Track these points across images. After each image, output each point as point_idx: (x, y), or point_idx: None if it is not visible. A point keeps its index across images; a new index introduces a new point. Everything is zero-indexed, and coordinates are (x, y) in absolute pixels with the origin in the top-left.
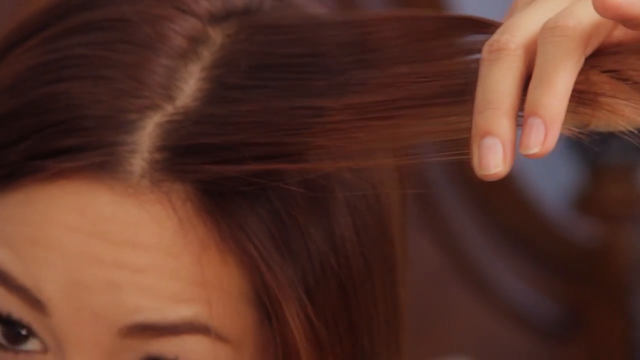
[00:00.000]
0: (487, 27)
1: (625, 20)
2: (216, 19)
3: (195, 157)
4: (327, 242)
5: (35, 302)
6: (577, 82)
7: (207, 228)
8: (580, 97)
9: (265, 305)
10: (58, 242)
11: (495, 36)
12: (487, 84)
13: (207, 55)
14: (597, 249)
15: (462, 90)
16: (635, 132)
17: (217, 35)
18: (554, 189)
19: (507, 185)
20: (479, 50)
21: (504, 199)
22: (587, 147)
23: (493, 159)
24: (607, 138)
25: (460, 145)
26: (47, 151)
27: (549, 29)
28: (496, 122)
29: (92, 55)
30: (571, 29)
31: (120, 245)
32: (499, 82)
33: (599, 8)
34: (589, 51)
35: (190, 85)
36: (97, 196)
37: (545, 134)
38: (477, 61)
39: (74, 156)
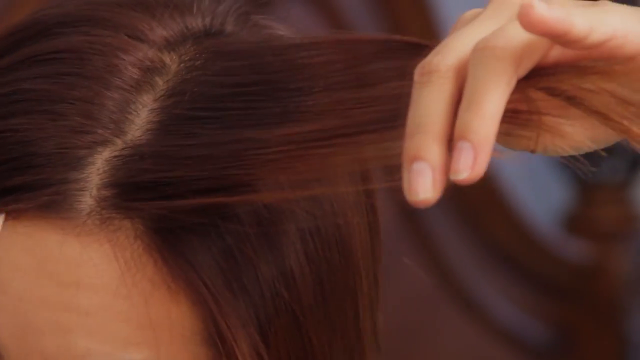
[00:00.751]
0: (426, 49)
1: (555, 37)
2: (172, 44)
3: (143, 193)
4: (280, 278)
5: None
6: (510, 102)
7: (156, 267)
8: (515, 117)
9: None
10: (7, 285)
11: (427, 58)
12: (418, 108)
13: (161, 84)
14: (589, 269)
15: (398, 115)
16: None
17: (172, 62)
18: (545, 208)
19: (497, 205)
20: (411, 75)
21: (494, 218)
22: (578, 166)
23: (422, 185)
24: (597, 157)
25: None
26: None
27: (479, 50)
28: (426, 147)
29: (42, 90)
30: (500, 49)
31: (69, 287)
32: (429, 106)
33: (525, 23)
34: (522, 72)
35: (141, 118)
36: (46, 236)
37: (474, 158)
38: (404, 86)
39: (23, 195)
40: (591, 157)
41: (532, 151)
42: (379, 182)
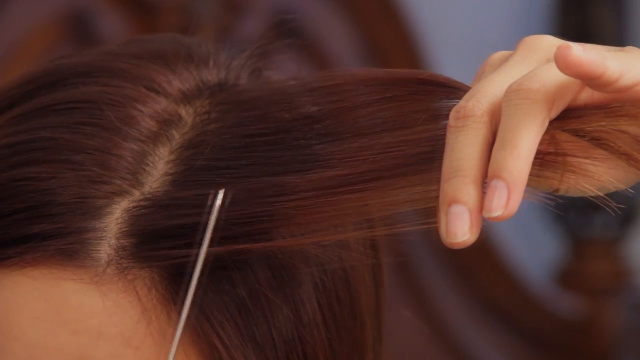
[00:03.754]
0: (456, 91)
1: (589, 79)
2: (188, 97)
3: (162, 242)
4: (293, 330)
5: None
6: (541, 144)
7: (169, 318)
8: (545, 159)
9: None
10: (21, 332)
11: (461, 102)
12: (454, 152)
13: (177, 136)
14: (581, 323)
15: (429, 159)
16: (615, 204)
17: (188, 115)
18: (538, 262)
19: (490, 259)
20: (447, 116)
21: (487, 273)
22: (570, 221)
23: (460, 227)
24: (590, 212)
25: (429, 215)
26: (13, 238)
27: (513, 92)
28: (463, 190)
29: (60, 139)
30: (535, 92)
31: (83, 336)
32: (465, 150)
33: (561, 65)
34: (554, 114)
35: (158, 169)
36: (63, 284)
37: (507, 197)
38: (444, 127)
39: (41, 243)
40: (583, 212)
41: (556, 191)
42: (381, 228)
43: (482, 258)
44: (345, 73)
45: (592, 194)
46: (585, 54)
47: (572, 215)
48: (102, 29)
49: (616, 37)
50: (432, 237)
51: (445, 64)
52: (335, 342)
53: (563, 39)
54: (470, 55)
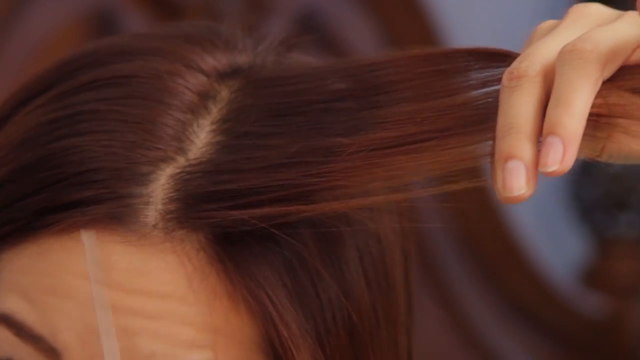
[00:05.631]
0: (506, 57)
1: None
2: (222, 75)
3: (209, 204)
4: (339, 291)
5: (50, 351)
6: (593, 106)
7: (219, 278)
8: (596, 120)
9: (276, 354)
10: (74, 291)
11: (514, 64)
12: (509, 110)
13: (215, 110)
14: (607, 323)
15: (481, 120)
16: None
17: (224, 92)
18: (563, 262)
19: (515, 259)
20: (498, 81)
21: (512, 273)
22: (596, 220)
23: (517, 182)
24: (615, 211)
25: (472, 174)
26: (62, 203)
27: (567, 52)
28: (519, 146)
29: (104, 110)
30: (588, 52)
31: (135, 294)
32: (520, 108)
33: None
34: (607, 74)
35: (201, 139)
36: (112, 247)
37: (563, 153)
38: (490, 93)
39: (89, 208)
40: (609, 211)
41: (599, 156)
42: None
43: (507, 257)
44: (388, 52)
45: (636, 162)
46: None
47: (597, 214)
48: (126, 29)
49: None
50: (457, 238)
51: None
52: (377, 306)
53: None
54: None
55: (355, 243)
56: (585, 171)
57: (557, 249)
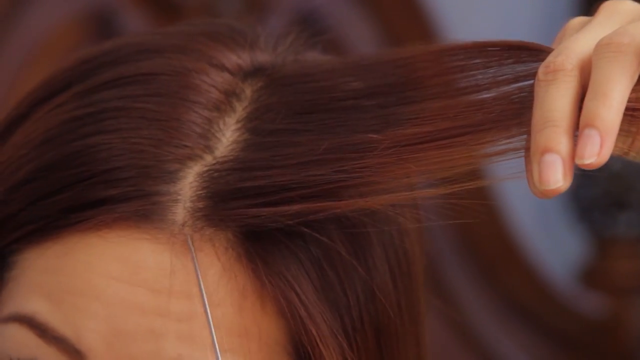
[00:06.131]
0: (539, 53)
1: None
2: (246, 74)
3: (236, 202)
4: (366, 289)
5: (74, 353)
6: (628, 101)
7: (248, 276)
8: (632, 115)
9: (301, 356)
10: (100, 291)
11: (550, 58)
12: (545, 103)
13: (240, 109)
14: (606, 323)
15: (515, 114)
16: None
17: (247, 90)
18: (562, 262)
19: (514, 259)
20: (532, 76)
21: (511, 272)
22: (595, 220)
23: (553, 175)
24: (614, 211)
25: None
26: (89, 201)
27: (604, 45)
28: (556, 139)
29: (130, 107)
30: (626, 45)
31: (162, 294)
32: (557, 101)
33: None
34: None
35: (227, 137)
36: (139, 245)
37: (600, 145)
38: (524, 88)
39: (116, 206)
40: (607, 211)
41: (626, 154)
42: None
43: (506, 257)
44: (414, 49)
45: None
46: None
47: (596, 214)
48: (126, 29)
49: None
50: (456, 238)
51: None
52: (402, 303)
53: None
54: None
55: (381, 240)
56: (584, 171)
57: (556, 248)
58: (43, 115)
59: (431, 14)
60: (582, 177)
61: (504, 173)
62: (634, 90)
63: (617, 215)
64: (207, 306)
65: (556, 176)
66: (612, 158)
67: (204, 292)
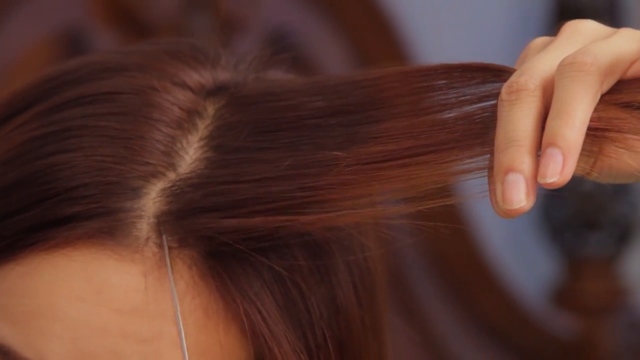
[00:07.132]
0: (502, 73)
1: None
2: (208, 92)
3: (200, 217)
4: (329, 307)
5: None
6: (590, 120)
7: (211, 293)
8: (593, 135)
9: None
10: (63, 313)
11: (513, 78)
12: (509, 123)
13: (202, 127)
14: (577, 343)
15: (477, 134)
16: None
17: (210, 108)
18: (533, 282)
19: (485, 278)
20: (495, 96)
21: (482, 292)
22: (566, 240)
23: (517, 194)
24: (585, 231)
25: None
26: (53, 219)
27: (567, 65)
28: (519, 159)
29: (93, 126)
30: (588, 64)
31: (126, 314)
32: (520, 121)
33: None
34: (606, 87)
35: (190, 155)
36: (104, 263)
37: (563, 164)
38: (487, 108)
39: (80, 224)
40: (579, 231)
41: (588, 174)
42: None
43: (477, 276)
44: (382, 69)
45: (624, 180)
46: None
47: (567, 234)
48: (96, 48)
49: None
50: (426, 254)
51: None
52: (365, 320)
53: None
54: None
55: (345, 256)
56: (555, 191)
57: (528, 268)
58: (5, 135)
59: (403, 34)
60: (554, 197)
61: (470, 192)
62: (595, 110)
63: (588, 236)
64: (181, 324)
65: (519, 196)
66: (582, 179)
67: (178, 309)
